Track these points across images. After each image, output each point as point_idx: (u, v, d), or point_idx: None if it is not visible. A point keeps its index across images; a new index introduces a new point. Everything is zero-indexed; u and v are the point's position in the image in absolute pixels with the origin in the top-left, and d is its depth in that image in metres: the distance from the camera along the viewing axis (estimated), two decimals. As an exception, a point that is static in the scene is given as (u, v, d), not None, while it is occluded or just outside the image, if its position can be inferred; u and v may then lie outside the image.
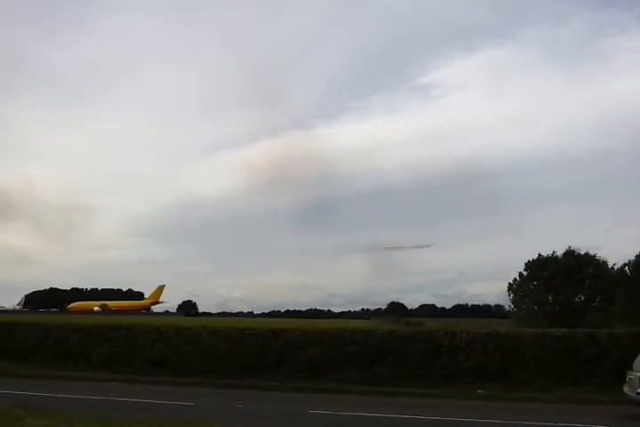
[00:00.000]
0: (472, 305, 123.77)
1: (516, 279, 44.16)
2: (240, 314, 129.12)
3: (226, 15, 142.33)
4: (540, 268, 41.95)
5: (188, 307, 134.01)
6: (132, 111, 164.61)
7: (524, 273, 43.55)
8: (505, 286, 45.22)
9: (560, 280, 40.22)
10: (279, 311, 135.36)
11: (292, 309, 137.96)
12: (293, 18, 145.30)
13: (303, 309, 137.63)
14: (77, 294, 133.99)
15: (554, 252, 42.36)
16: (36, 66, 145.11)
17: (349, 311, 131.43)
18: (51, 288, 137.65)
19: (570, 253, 41.60)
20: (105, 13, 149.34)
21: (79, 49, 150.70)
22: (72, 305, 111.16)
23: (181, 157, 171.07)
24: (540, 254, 43.06)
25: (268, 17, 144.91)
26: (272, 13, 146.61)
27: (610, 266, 41.27)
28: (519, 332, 19.38)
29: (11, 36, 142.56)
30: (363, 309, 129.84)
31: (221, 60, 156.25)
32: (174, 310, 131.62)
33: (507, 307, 48.13)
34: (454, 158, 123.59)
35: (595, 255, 41.72)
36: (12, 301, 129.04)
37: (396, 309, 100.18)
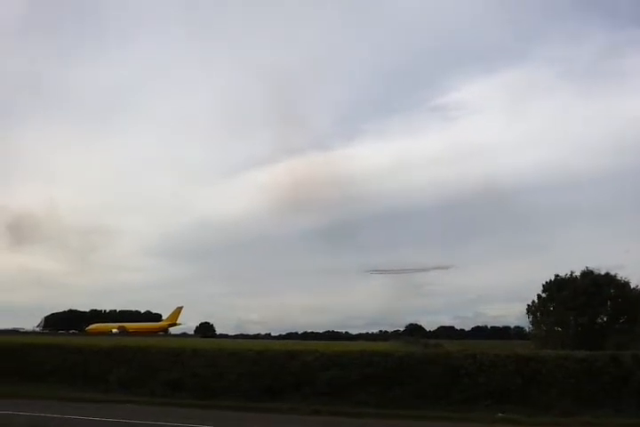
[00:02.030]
0: (491, 327, 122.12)
1: (534, 301, 43.56)
2: (257, 336, 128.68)
3: (244, 36, 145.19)
4: (559, 289, 41.36)
5: (205, 329, 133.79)
6: (150, 133, 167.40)
7: (543, 294, 42.95)
8: (524, 308, 44.63)
9: (581, 301, 39.59)
10: (296, 333, 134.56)
11: (309, 331, 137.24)
12: (312, 38, 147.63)
13: (320, 331, 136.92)
14: (96, 315, 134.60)
15: (571, 272, 41.80)
16: (56, 88, 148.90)
17: (367, 333, 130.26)
18: (70, 310, 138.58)
19: (588, 273, 41.01)
20: (122, 35, 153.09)
21: (97, 70, 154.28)
22: (91, 327, 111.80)
23: (200, 178, 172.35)
24: (557, 275, 42.53)
25: (286, 38, 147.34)
26: (290, 34, 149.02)
27: (632, 286, 40.57)
28: (540, 354, 19.07)
29: (30, 59, 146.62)
30: (380, 331, 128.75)
31: (239, 80, 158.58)
32: (192, 332, 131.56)
33: (527, 328, 47.34)
34: (473, 179, 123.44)
35: (615, 275, 41.09)
36: (31, 322, 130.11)
37: (414, 331, 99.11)
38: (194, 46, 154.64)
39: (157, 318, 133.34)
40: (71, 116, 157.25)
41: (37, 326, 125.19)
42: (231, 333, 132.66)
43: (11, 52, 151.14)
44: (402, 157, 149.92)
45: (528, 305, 43.90)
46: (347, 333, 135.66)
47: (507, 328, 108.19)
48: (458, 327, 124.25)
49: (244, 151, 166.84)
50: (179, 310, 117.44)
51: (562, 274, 42.46)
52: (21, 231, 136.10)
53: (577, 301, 39.42)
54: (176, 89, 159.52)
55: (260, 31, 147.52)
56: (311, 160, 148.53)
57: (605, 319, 40.29)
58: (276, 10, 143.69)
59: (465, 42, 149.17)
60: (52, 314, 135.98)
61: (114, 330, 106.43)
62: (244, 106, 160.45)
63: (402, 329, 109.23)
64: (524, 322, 46.49)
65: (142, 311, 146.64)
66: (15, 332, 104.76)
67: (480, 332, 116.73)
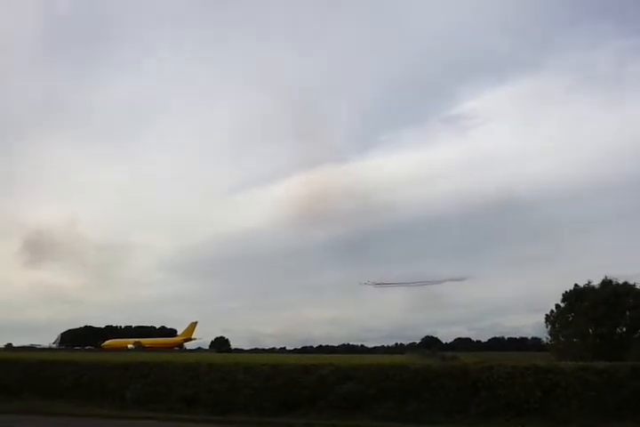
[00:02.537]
0: (508, 338, 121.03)
1: (553, 311, 43.07)
2: (272, 350, 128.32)
3: (256, 51, 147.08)
4: (578, 298, 40.87)
5: (220, 343, 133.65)
6: (166, 149, 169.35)
7: (561, 304, 42.45)
8: (542, 318, 44.14)
9: (600, 311, 39.05)
10: (312, 347, 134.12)
11: (324, 344, 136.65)
12: (326, 52, 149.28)
13: (336, 344, 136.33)
14: (112, 331, 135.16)
15: (589, 282, 41.34)
16: (75, 108, 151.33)
17: (383, 346, 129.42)
18: (86, 326, 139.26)
19: (607, 282, 40.52)
20: (137, 55, 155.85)
21: (114, 89, 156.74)
22: (106, 343, 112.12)
23: (216, 193, 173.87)
24: (576, 285, 42.06)
25: (300, 52, 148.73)
26: (304, 49, 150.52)
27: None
28: (559, 365, 18.70)
29: (51, 78, 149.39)
30: (396, 343, 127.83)
31: (254, 95, 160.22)
32: (207, 347, 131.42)
33: (544, 339, 46.72)
34: (488, 189, 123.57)
35: (634, 285, 40.54)
36: (48, 339, 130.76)
37: (430, 343, 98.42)
38: (209, 63, 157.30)
39: (173, 333, 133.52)
40: (89, 134, 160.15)
41: (54, 343, 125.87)
42: (246, 347, 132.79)
43: (32, 73, 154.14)
44: (417, 168, 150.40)
45: (546, 315, 43.46)
46: (362, 346, 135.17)
47: (524, 339, 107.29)
48: (474, 339, 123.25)
49: (259, 166, 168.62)
50: (193, 325, 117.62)
51: (580, 284, 42.08)
52: (39, 248, 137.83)
53: (596, 311, 38.94)
54: (192, 106, 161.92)
55: (275, 47, 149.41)
56: (326, 173, 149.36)
57: (625, 330, 39.73)
58: (290, 25, 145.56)
59: (477, 52, 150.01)
60: (69, 330, 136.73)
61: (129, 346, 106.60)
62: (259, 121, 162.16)
63: (418, 341, 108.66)
64: (542, 333, 46.00)
65: (157, 327, 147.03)
66: (32, 348, 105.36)
67: (497, 343, 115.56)
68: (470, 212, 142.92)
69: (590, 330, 39.96)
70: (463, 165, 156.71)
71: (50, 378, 22.21)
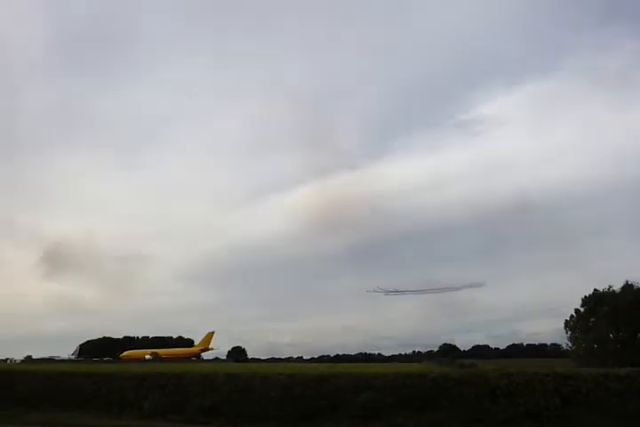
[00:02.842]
0: (527, 344, 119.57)
1: (572, 316, 42.59)
2: (289, 359, 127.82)
3: (268, 58, 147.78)
4: (598, 303, 40.37)
5: (237, 353, 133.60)
6: (180, 159, 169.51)
7: (581, 309, 41.96)
8: (561, 324, 43.66)
9: (621, 316, 38.54)
10: (328, 356, 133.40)
11: (341, 353, 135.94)
12: (335, 58, 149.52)
13: (353, 353, 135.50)
14: (129, 342, 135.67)
15: (610, 286, 40.84)
16: (89, 118, 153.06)
17: (400, 354, 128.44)
18: (104, 337, 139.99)
19: (628, 287, 40.00)
20: (151, 64, 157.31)
21: (128, 99, 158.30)
22: (124, 354, 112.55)
23: (229, 202, 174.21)
24: (596, 289, 41.58)
25: (311, 59, 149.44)
26: (316, 55, 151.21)
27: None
28: (579, 372, 18.43)
29: (64, 88, 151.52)
30: (414, 351, 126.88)
31: (266, 103, 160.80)
32: (224, 357, 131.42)
33: (564, 346, 46.21)
34: (503, 194, 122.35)
35: (656, 289, 39.99)
36: (66, 350, 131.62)
37: (448, 351, 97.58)
38: (221, 72, 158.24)
39: (189, 343, 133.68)
40: (104, 145, 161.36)
41: (72, 354, 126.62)
42: (263, 356, 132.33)
43: (46, 84, 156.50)
44: (430, 173, 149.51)
45: (566, 321, 43.02)
46: (379, 354, 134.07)
47: (543, 346, 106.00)
48: (493, 346, 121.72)
49: (272, 174, 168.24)
50: (210, 335, 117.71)
51: (600, 288, 41.60)
52: (57, 260, 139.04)
53: (617, 316, 38.46)
54: (204, 115, 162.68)
55: (286, 54, 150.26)
56: (339, 180, 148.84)
57: (646, 335, 39.16)
58: (300, 32, 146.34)
59: (490, 56, 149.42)
60: (87, 342, 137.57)
61: (147, 356, 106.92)
62: (272, 128, 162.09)
63: (435, 349, 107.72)
64: (562, 339, 45.51)
65: (174, 337, 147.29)
66: (51, 360, 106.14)
67: (516, 350, 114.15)
68: (486, 217, 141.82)
69: (611, 335, 39.46)
70: (477, 170, 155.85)
71: (69, 389, 22.40)
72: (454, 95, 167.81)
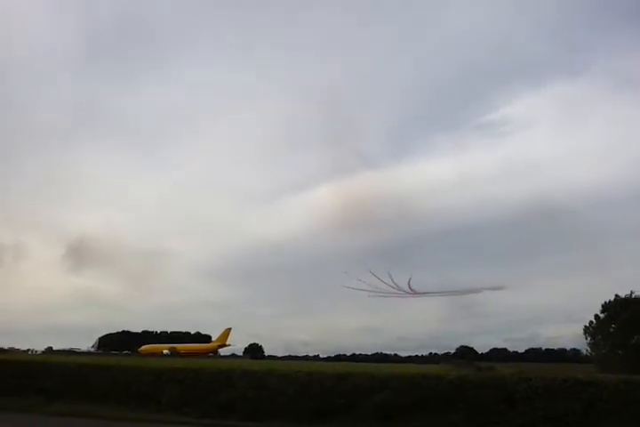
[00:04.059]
0: (546, 349, 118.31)
1: (591, 322, 42.04)
2: (306, 357, 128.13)
3: (290, 58, 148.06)
4: (619, 309, 39.79)
5: (254, 350, 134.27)
6: (203, 157, 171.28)
7: (601, 315, 41.40)
8: (581, 329, 43.12)
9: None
10: (345, 355, 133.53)
11: (357, 352, 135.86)
12: (358, 57, 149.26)
13: (369, 353, 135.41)
14: (148, 336, 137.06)
15: (632, 292, 40.23)
16: (113, 116, 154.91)
17: (417, 356, 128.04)
18: (123, 331, 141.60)
19: (650, 293, 39.37)
20: (178, 62, 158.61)
21: (151, 97, 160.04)
22: (143, 348, 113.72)
23: (251, 201, 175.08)
24: (617, 295, 40.99)
25: (333, 59, 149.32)
26: (337, 55, 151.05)
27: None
28: (600, 378, 18.19)
29: (89, 86, 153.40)
30: (430, 353, 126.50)
31: (288, 102, 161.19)
32: (241, 353, 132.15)
33: (584, 351, 45.66)
34: (526, 196, 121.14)
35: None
36: (87, 343, 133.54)
37: (465, 353, 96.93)
38: (244, 70, 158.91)
39: (207, 339, 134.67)
40: (127, 141, 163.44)
41: (92, 347, 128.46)
42: (280, 354, 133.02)
43: (71, 82, 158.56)
44: (451, 174, 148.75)
45: (585, 326, 42.52)
46: (396, 355, 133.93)
47: (562, 350, 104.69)
48: (511, 349, 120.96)
49: (292, 172, 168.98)
50: (228, 331, 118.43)
51: (621, 294, 41.02)
52: (79, 254, 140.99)
53: (638, 322, 37.89)
54: (225, 113, 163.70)
55: (308, 53, 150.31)
56: (360, 180, 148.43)
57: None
58: (322, 32, 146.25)
59: (513, 56, 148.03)
60: (107, 335, 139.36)
61: (165, 351, 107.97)
62: (293, 127, 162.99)
63: (452, 351, 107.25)
64: (581, 344, 45.00)
65: (192, 333, 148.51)
66: (71, 352, 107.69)
67: (534, 354, 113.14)
68: (507, 219, 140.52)
69: (633, 341, 38.88)
70: (500, 172, 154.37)
71: (89, 382, 22.67)
72: (478, 95, 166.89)
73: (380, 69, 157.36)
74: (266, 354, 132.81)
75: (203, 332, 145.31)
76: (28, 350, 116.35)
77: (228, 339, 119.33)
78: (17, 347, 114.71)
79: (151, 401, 21.08)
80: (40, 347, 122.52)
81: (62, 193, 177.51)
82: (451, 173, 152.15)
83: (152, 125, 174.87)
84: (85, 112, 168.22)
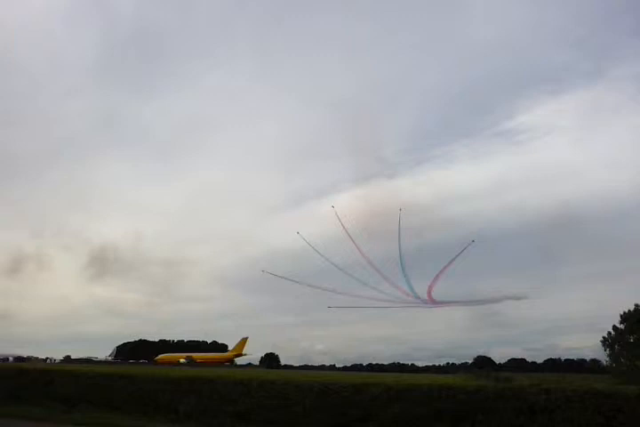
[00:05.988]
0: (565, 359, 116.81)
1: (610, 333, 41.43)
2: (322, 367, 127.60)
3: (309, 67, 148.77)
4: (638, 319, 39.20)
5: (270, 359, 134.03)
6: (222, 166, 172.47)
7: (620, 326, 40.78)
8: (601, 339, 42.49)
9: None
10: (361, 365, 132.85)
11: (374, 362, 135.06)
12: (376, 66, 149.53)
13: (386, 362, 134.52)
14: (165, 345, 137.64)
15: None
16: (133, 125, 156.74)
17: (434, 366, 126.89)
18: (140, 340, 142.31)
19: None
20: (198, 71, 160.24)
21: (171, 107, 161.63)
22: (160, 357, 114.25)
23: (270, 208, 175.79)
24: (637, 305, 40.38)
25: (353, 68, 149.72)
26: (358, 64, 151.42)
27: None
28: (621, 390, 17.86)
29: (109, 97, 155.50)
30: (448, 363, 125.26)
31: (306, 110, 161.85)
32: (257, 363, 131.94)
33: (604, 362, 44.92)
34: (547, 204, 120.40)
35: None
36: (104, 351, 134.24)
37: (483, 363, 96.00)
38: (261, 82, 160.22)
39: (223, 348, 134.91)
40: (150, 151, 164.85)
41: (109, 356, 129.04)
42: (296, 363, 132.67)
43: (95, 91, 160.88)
44: (471, 182, 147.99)
45: (603, 337, 41.88)
46: (413, 365, 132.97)
47: (582, 361, 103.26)
48: (529, 360, 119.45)
49: (312, 181, 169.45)
50: (244, 340, 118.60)
51: (641, 304, 40.40)
52: (100, 263, 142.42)
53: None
54: (245, 122, 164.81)
55: (328, 62, 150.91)
56: (380, 188, 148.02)
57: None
58: (343, 40, 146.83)
59: (534, 64, 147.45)
60: (124, 344, 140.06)
61: (181, 360, 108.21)
62: (313, 136, 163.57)
63: (470, 361, 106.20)
64: (601, 355, 44.31)
65: (209, 342, 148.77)
66: (89, 361, 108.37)
67: (553, 365, 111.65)
68: (528, 227, 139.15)
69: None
70: (520, 180, 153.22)
71: (106, 391, 22.83)
72: (497, 103, 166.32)
73: (402, 78, 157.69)
74: (282, 363, 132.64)
75: (219, 341, 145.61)
76: (47, 358, 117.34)
77: (245, 348, 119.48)
78: (35, 355, 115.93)
79: (169, 410, 21.16)
80: (58, 355, 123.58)
81: (84, 202, 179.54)
82: (471, 181, 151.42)
83: (174, 134, 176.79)
84: (107, 121, 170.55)
